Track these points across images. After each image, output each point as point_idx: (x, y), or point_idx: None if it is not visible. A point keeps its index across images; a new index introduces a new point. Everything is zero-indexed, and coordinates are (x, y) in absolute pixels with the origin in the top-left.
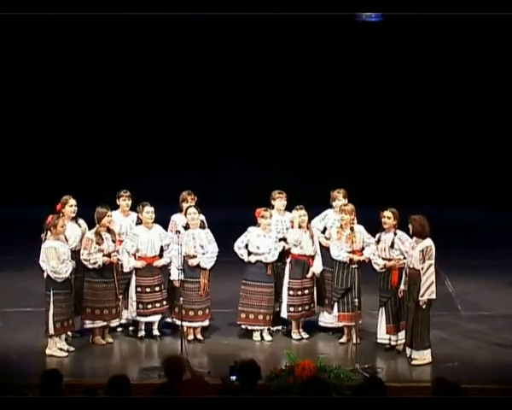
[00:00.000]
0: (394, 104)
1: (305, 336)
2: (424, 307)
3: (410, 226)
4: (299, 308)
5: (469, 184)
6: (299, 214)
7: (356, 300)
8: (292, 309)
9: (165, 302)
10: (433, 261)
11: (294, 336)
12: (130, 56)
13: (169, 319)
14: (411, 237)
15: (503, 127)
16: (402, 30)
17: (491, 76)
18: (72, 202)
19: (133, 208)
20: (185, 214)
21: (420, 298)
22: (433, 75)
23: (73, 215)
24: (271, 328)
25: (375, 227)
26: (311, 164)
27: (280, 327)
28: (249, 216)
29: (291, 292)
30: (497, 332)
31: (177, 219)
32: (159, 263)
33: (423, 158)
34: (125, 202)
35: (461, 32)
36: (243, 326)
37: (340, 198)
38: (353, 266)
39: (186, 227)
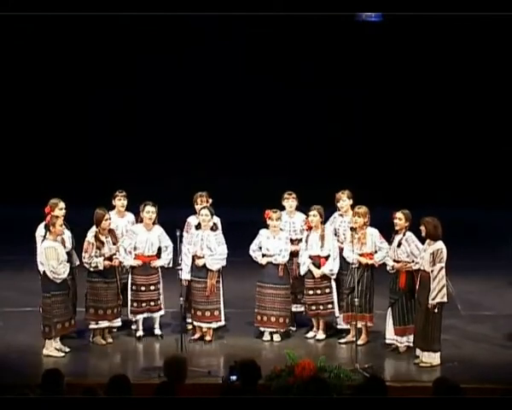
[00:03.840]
0: (394, 104)
1: (321, 337)
2: (436, 310)
3: (422, 228)
4: (313, 307)
5: (469, 184)
6: (309, 215)
7: (356, 300)
8: (306, 307)
9: (159, 301)
10: (443, 264)
11: (309, 334)
12: (131, 56)
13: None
14: (425, 238)
15: (504, 127)
16: (402, 30)
17: (491, 76)
18: (62, 204)
19: (132, 209)
20: (198, 215)
21: (430, 301)
22: (433, 75)
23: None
24: (289, 328)
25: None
26: (311, 164)
27: (294, 328)
28: (250, 216)
29: (304, 291)
30: (497, 332)
31: (192, 221)
32: (156, 263)
33: (423, 158)
34: (120, 202)
35: (461, 32)
36: (259, 327)
37: (344, 198)
38: (353, 266)
39: (197, 227)
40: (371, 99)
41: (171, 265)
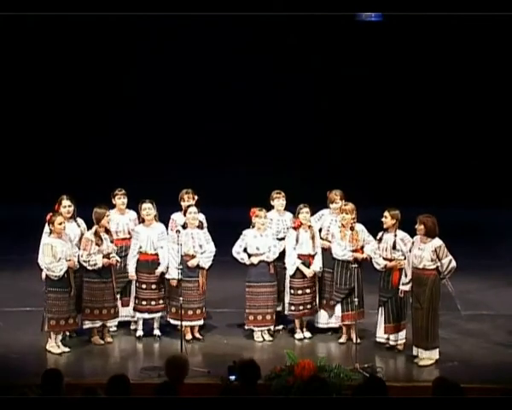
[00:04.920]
0: (394, 104)
1: (308, 335)
2: (437, 306)
3: (421, 226)
4: (301, 307)
5: (470, 184)
6: (302, 213)
7: (356, 299)
8: (293, 308)
9: (161, 301)
10: (451, 256)
11: (297, 335)
12: (131, 54)
13: (169, 319)
14: (420, 236)
15: (504, 126)
16: (402, 30)
17: (491, 75)
18: (66, 202)
19: (132, 207)
20: (185, 213)
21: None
22: (434, 75)
23: (69, 215)
24: (271, 328)
25: (376, 227)
26: (311, 164)
27: (281, 327)
28: (233, 215)
29: (292, 291)
30: (497, 332)
31: (177, 218)
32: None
33: (423, 158)
34: (120, 200)
35: (461, 32)
36: (251, 328)
37: (337, 201)
38: (353, 266)
39: (184, 226)
40: (370, 99)
41: (163, 269)
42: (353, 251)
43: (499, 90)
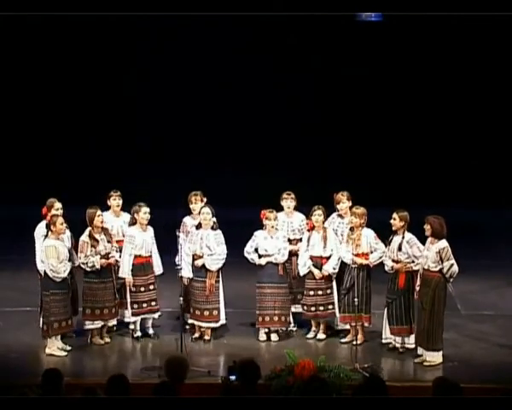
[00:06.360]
0: (394, 105)
1: (321, 337)
2: (440, 308)
3: (427, 227)
4: (312, 308)
5: (470, 184)
6: (314, 215)
7: (356, 299)
8: (305, 308)
9: (157, 301)
10: (453, 260)
11: (309, 335)
12: (131, 54)
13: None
14: (426, 237)
15: (504, 126)
16: (402, 30)
17: (491, 75)
18: (58, 205)
19: (127, 209)
20: (199, 214)
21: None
22: (434, 75)
23: None
24: (279, 330)
25: (375, 228)
26: (312, 164)
27: (294, 328)
28: (250, 216)
29: (305, 292)
30: (497, 332)
31: (187, 221)
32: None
33: (423, 158)
34: (115, 201)
35: (461, 32)
36: (262, 329)
37: (344, 201)
38: (353, 266)
39: (198, 227)
40: (371, 99)
41: (161, 271)
42: (356, 255)
43: (499, 91)
